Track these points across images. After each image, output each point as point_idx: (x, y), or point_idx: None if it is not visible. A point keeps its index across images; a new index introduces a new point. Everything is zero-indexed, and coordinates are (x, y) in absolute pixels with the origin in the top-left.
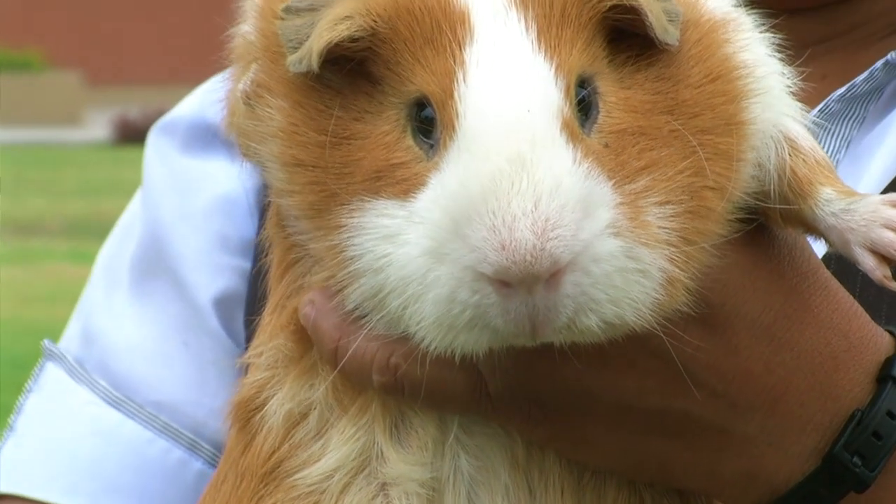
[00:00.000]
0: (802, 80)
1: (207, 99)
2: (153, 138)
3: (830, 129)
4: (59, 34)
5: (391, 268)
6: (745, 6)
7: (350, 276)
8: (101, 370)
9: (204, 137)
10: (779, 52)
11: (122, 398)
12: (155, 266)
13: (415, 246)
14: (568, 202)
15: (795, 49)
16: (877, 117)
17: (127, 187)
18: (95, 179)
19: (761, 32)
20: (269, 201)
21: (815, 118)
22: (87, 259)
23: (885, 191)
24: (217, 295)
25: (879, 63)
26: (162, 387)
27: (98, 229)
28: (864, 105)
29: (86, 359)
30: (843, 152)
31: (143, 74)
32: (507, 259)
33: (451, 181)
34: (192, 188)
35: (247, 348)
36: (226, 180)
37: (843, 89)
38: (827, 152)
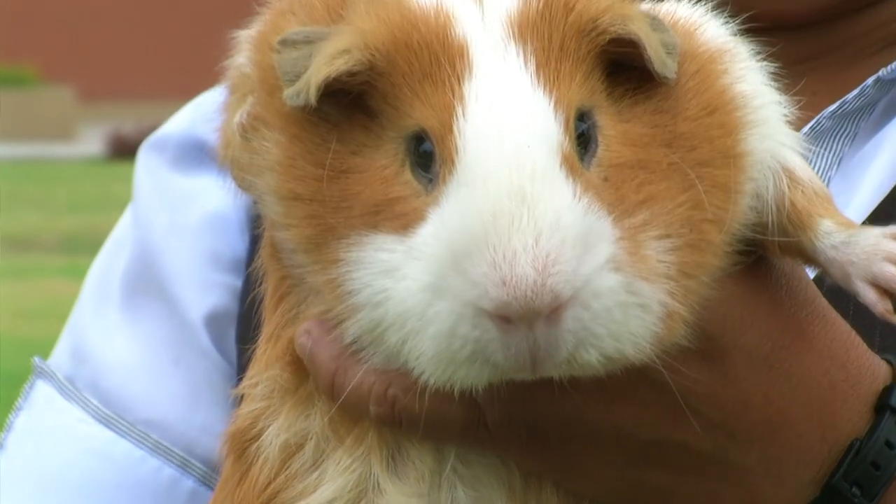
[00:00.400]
0: (793, 97)
1: (198, 115)
2: (143, 155)
3: (822, 146)
4: (53, 49)
5: (390, 302)
6: (734, 22)
7: (348, 310)
8: (91, 388)
9: (194, 154)
10: (770, 70)
11: (113, 416)
12: (146, 283)
13: (414, 281)
14: (568, 237)
15: (785, 66)
16: (868, 134)
17: (121, 202)
18: (89, 195)
19: (757, 61)
20: (262, 230)
21: (805, 135)
22: (82, 274)
23: (878, 208)
24: (208, 312)
25: (871, 79)
26: (153, 405)
27: (92, 245)
28: (856, 121)
29: (76, 376)
30: (834, 169)
31: (136, 90)
32: (507, 295)
33: (450, 216)
34: (182, 205)
35: (237, 367)
36: (216, 197)
37: (834, 106)
38: (818, 169)
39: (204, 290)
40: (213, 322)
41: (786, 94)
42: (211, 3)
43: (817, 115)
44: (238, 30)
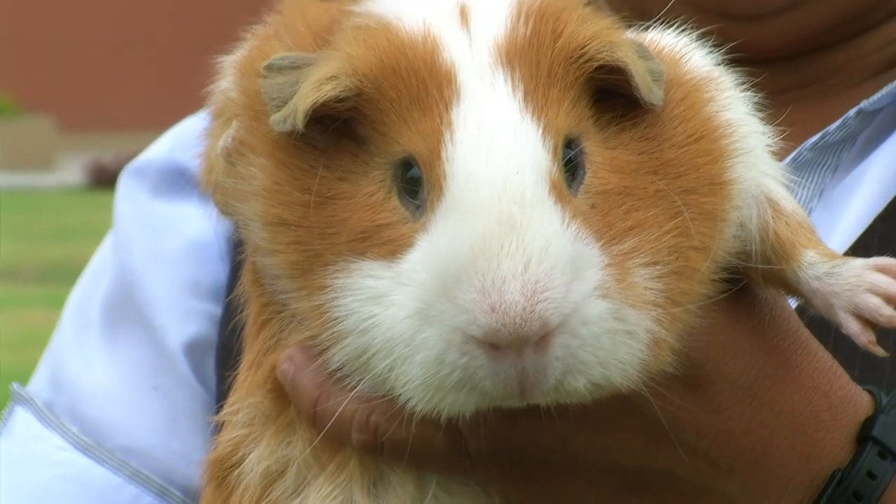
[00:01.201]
0: (774, 128)
1: (178, 142)
2: (124, 182)
3: (803, 177)
4: (33, 79)
5: (377, 329)
6: (716, 53)
7: (334, 336)
8: (70, 415)
9: (174, 181)
10: (753, 101)
11: (92, 443)
12: (125, 310)
13: (402, 307)
14: (557, 264)
15: (766, 97)
16: (850, 165)
17: (101, 232)
18: (69, 224)
19: (742, 91)
20: (243, 257)
21: (787, 166)
22: (62, 304)
23: (859, 240)
24: (188, 340)
25: (853, 111)
26: (132, 432)
27: (72, 274)
28: (837, 153)
29: (55, 403)
30: (816, 200)
31: (116, 120)
32: (497, 321)
33: (439, 242)
34: (162, 232)
35: (217, 395)
36: (196, 224)
37: (815, 137)
38: (800, 200)
39: (184, 318)
40: (193, 350)
41: (768, 125)
42: (191, 33)
43: (798, 146)
44: (221, 56)
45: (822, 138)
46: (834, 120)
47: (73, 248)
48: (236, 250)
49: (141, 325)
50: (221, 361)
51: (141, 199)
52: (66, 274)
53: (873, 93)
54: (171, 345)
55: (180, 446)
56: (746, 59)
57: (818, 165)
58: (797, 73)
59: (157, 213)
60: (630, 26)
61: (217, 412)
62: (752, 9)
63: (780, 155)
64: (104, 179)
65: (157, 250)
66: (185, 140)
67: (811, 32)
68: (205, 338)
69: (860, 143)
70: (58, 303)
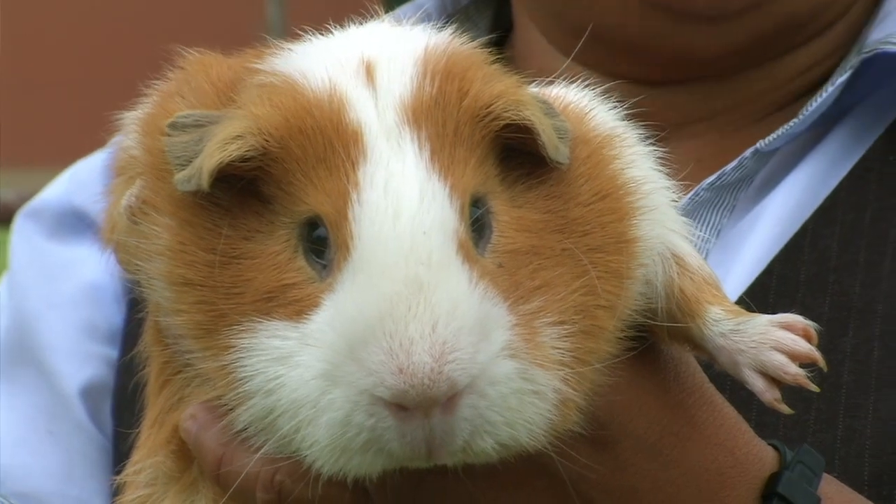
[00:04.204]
0: (677, 162)
1: (74, 183)
2: (20, 223)
3: (700, 218)
4: None
5: (283, 390)
6: (612, 80)
7: (240, 397)
8: None
9: (71, 223)
10: (652, 129)
11: None
12: (21, 354)
13: (308, 368)
14: (465, 325)
15: (670, 125)
16: (747, 206)
17: (2, 271)
18: None
19: (647, 146)
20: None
21: (685, 206)
22: None
23: (756, 280)
24: (84, 384)
25: (748, 152)
26: (27, 477)
27: None
28: (734, 193)
29: None
30: (713, 241)
31: (18, 156)
32: (404, 383)
33: (346, 303)
34: (59, 275)
35: (114, 439)
36: (93, 267)
37: (713, 177)
38: (697, 240)
39: (80, 362)
40: (89, 394)
41: (671, 156)
42: (91, 70)
43: (699, 181)
44: (123, 110)
45: (718, 178)
46: (736, 156)
47: None
48: (131, 290)
49: (36, 369)
50: (118, 405)
51: (37, 241)
52: None
53: (771, 131)
54: (67, 389)
55: (77, 492)
56: (659, 81)
57: (715, 205)
58: (700, 103)
59: (52, 255)
60: (532, 81)
61: (114, 457)
62: (708, 9)
63: (680, 192)
64: (5, 218)
65: (52, 293)
66: (81, 181)
67: (755, 40)
68: (101, 381)
69: (757, 183)
70: None
